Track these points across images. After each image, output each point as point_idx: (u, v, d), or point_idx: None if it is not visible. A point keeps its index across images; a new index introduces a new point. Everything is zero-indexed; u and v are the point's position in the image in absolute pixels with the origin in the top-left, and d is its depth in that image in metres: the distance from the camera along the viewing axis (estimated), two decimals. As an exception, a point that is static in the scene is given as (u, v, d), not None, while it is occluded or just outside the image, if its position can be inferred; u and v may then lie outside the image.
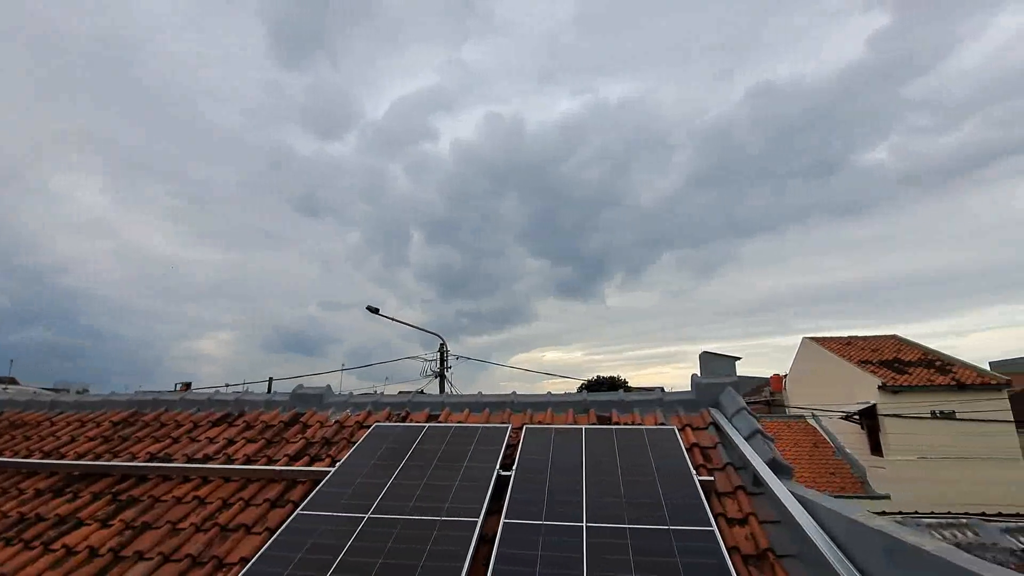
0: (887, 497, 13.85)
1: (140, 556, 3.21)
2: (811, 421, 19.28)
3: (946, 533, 3.85)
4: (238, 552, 3.13)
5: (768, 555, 2.76)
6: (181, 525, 3.48)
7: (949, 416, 14.39)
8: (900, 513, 4.76)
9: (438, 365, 19.03)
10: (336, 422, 4.86)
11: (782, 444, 18.72)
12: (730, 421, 4.12)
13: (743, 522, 3.08)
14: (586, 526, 2.90)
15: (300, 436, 4.64)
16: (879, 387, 15.13)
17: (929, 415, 14.50)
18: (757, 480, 3.36)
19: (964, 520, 4.03)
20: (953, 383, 14.85)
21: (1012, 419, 14.11)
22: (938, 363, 16.35)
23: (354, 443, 4.24)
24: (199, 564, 3.08)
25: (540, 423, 4.52)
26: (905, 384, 15.11)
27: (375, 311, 19.16)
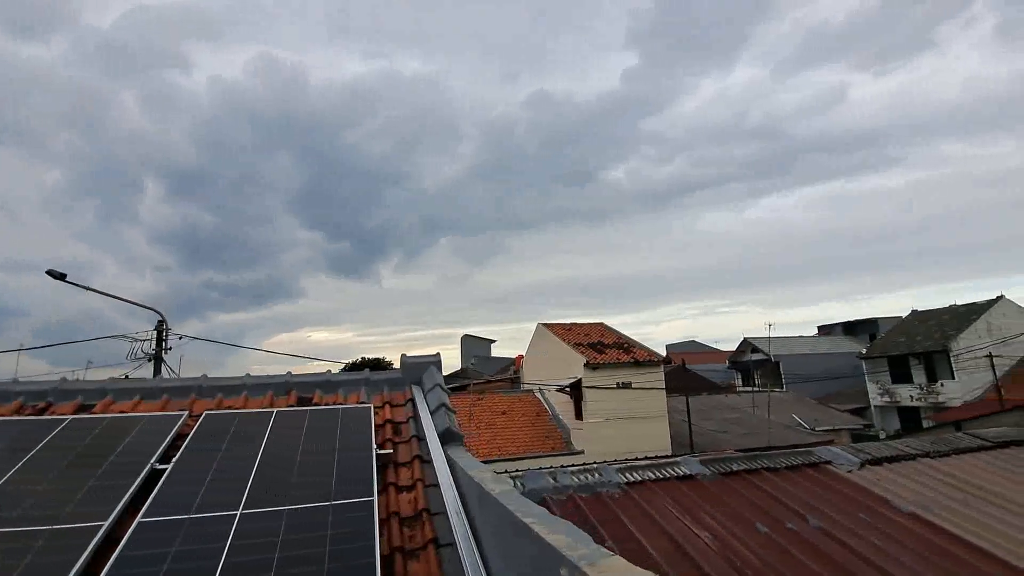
0: (582, 452, 17.07)
1: None
2: (537, 394, 22.43)
3: (580, 476, 4.89)
4: None
5: (423, 515, 3.06)
6: None
7: (627, 386, 18.54)
8: (576, 465, 5.85)
9: (153, 346, 15.92)
10: (-80, 421, 3.59)
11: (514, 415, 21.33)
12: (425, 397, 4.44)
13: (411, 488, 3.35)
14: (241, 513, 2.77)
15: None
16: (584, 364, 18.51)
17: (615, 385, 18.41)
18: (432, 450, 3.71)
19: (595, 465, 5.17)
20: (632, 360, 19.18)
21: (664, 387, 19.04)
22: (625, 345, 20.86)
23: (-59, 448, 3.20)
24: None
25: (230, 408, 4.14)
26: (602, 362, 18.84)
27: (60, 277, 14.88)
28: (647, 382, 18.53)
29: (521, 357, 30.67)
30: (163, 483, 2.98)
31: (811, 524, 4.20)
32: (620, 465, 5.21)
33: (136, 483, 2.97)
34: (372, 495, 2.98)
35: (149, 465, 3.13)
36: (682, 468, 5.21)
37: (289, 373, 4.70)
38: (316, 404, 4.34)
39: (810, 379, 31.26)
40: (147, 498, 2.86)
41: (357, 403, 4.40)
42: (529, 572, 1.57)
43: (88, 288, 15.30)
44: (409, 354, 4.92)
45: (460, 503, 2.66)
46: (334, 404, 4.34)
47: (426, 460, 3.65)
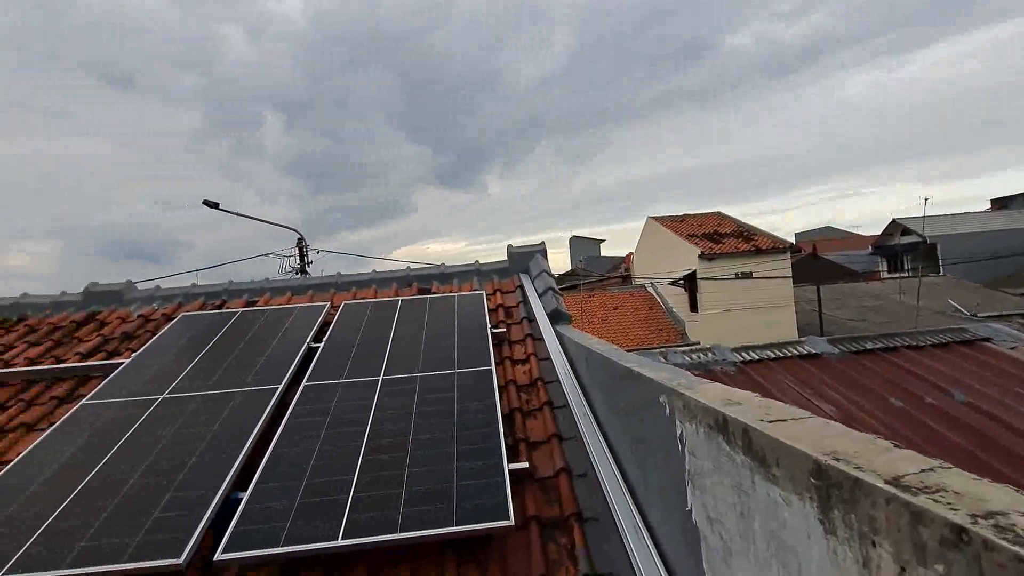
0: (698, 343, 16.88)
1: None
2: (649, 289, 22.15)
3: (692, 356, 4.87)
4: (17, 450, 2.98)
5: (537, 383, 3.32)
6: (-56, 434, 3.18)
7: (747, 276, 17.51)
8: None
9: (297, 261, 18.14)
10: (140, 316, 4.55)
11: (626, 310, 21.44)
12: (532, 283, 4.61)
13: (525, 361, 3.61)
14: (382, 379, 3.21)
15: (96, 334, 4.30)
16: (699, 256, 17.70)
17: (733, 276, 17.49)
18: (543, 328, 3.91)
19: (709, 346, 5.09)
20: (753, 249, 17.90)
21: (790, 275, 17.68)
22: (745, 233, 19.42)
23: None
24: (-32, 466, 2.90)
25: (363, 299, 4.66)
26: (718, 252, 17.86)
27: (214, 205, 17.18)
28: (771, 271, 17.32)
29: (631, 255, 30.09)
30: (318, 357, 3.52)
31: (956, 399, 3.85)
32: (736, 346, 5.09)
33: (298, 357, 3.54)
34: (490, 364, 3.27)
35: (306, 343, 3.71)
36: (806, 347, 4.95)
37: (408, 268, 5.12)
38: (434, 293, 4.72)
39: (975, 261, 26.93)
40: (308, 368, 3.42)
41: (471, 291, 4.70)
42: (632, 408, 1.67)
43: (238, 214, 17.48)
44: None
45: (570, 369, 2.83)
46: (450, 293, 4.68)
47: (537, 338, 3.87)
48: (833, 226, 52.93)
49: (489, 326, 3.80)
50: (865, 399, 3.84)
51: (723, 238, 19.31)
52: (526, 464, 2.52)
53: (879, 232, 37.29)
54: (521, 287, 4.69)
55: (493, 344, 3.66)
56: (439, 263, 5.26)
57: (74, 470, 2.55)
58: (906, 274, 28.51)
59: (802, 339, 5.35)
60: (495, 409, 2.80)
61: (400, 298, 4.44)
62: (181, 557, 2.03)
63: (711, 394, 1.15)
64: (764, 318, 17.01)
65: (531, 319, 4.13)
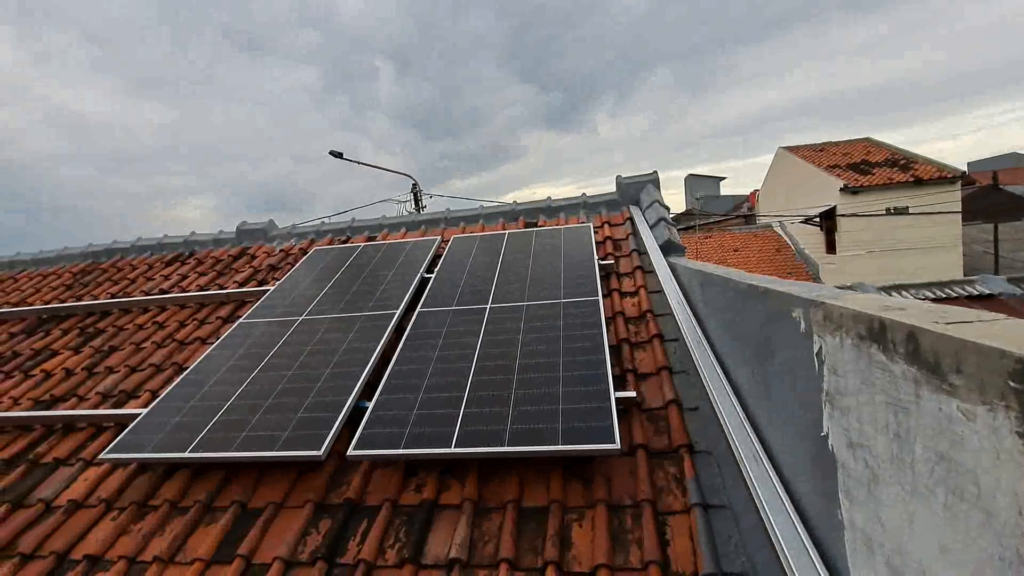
0: (833, 289, 15.16)
1: (110, 370, 3.64)
2: (777, 229, 20.14)
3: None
4: (194, 359, 3.55)
5: (647, 315, 3.18)
6: (144, 345, 3.88)
7: (902, 211, 15.06)
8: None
9: (412, 206, 19.16)
10: (281, 251, 5.09)
11: (748, 251, 19.80)
12: (643, 214, 4.35)
13: (634, 294, 3.47)
14: (490, 307, 3.28)
15: (248, 266, 4.90)
16: (840, 189, 15.53)
17: (884, 212, 15.16)
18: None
19: (850, 284, 4.51)
20: (912, 180, 15.25)
21: (959, 210, 14.86)
22: (903, 162, 16.56)
23: (295, 266, 4.50)
24: (161, 370, 3.53)
25: (472, 233, 4.75)
26: (866, 184, 15.49)
27: (339, 155, 18.52)
28: (933, 205, 14.77)
29: (756, 192, 27.37)
30: (431, 286, 3.68)
31: None
32: (884, 284, 4.45)
33: (412, 286, 3.74)
34: (597, 295, 3.18)
35: (419, 274, 3.89)
36: (977, 287, 4.18)
37: (515, 202, 5.09)
38: (540, 226, 4.66)
39: None
40: (421, 296, 3.60)
41: (577, 224, 4.57)
42: (756, 330, 1.50)
43: (359, 162, 18.74)
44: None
45: (684, 299, 2.64)
46: (558, 226, 4.59)
47: (648, 270, 3.67)
48: (1022, 152, 43.38)
49: (596, 258, 3.68)
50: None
51: (873, 168, 16.70)
52: (633, 394, 2.45)
53: (1092, 155, 29.76)
54: (631, 219, 4.45)
55: (601, 276, 3.56)
56: (546, 198, 5.17)
57: (235, 375, 2.97)
58: None
59: (972, 277, 4.52)
60: (601, 337, 2.73)
61: (507, 231, 4.45)
62: (321, 450, 2.30)
63: (863, 301, 0.97)
64: (921, 261, 14.70)
65: (641, 251, 3.92)
